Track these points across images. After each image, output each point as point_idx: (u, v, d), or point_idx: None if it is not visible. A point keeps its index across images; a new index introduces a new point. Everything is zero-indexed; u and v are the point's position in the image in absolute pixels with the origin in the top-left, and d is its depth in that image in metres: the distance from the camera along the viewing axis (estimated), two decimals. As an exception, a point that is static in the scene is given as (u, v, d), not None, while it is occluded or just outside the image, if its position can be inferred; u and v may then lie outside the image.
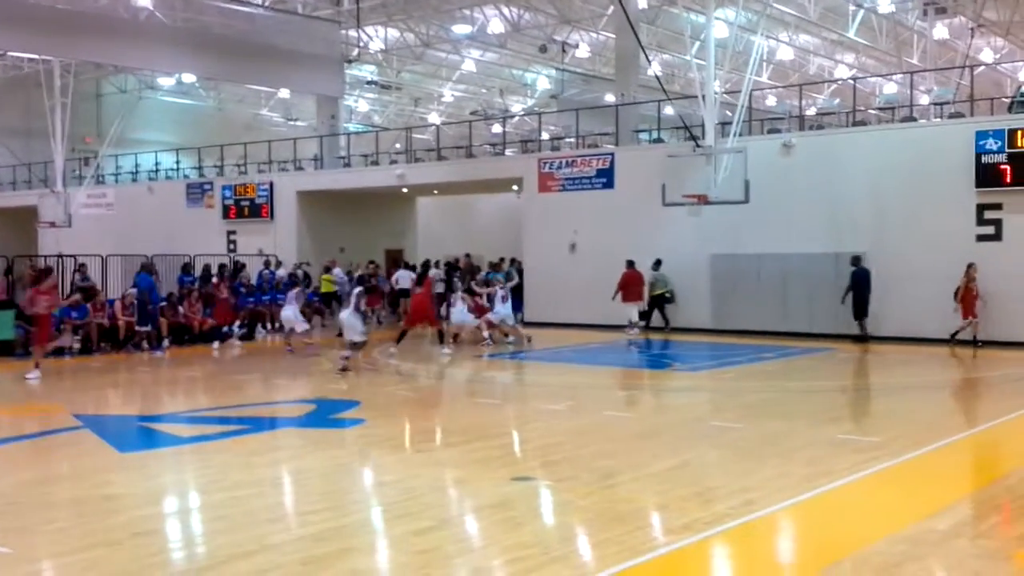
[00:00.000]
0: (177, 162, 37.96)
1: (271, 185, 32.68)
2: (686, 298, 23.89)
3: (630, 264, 23.61)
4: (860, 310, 21.05)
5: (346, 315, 17.32)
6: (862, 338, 21.01)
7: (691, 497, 8.05)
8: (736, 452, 10.10)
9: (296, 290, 21.02)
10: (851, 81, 29.49)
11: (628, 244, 24.26)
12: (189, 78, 37.78)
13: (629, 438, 11.21)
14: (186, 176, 37.05)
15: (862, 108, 27.07)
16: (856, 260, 21.12)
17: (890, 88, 33.21)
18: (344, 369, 16.53)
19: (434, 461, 9.97)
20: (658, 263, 23.94)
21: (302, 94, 38.90)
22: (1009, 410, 12.45)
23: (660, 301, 23.87)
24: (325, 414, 12.82)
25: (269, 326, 24.23)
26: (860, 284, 21.00)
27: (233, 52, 29.27)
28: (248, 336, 23.30)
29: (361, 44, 33.76)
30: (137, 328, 20.59)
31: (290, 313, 20.15)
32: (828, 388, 15.63)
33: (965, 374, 16.84)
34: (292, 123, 44.13)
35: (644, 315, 23.90)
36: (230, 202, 33.51)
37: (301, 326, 20.33)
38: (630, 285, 23.48)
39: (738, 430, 11.54)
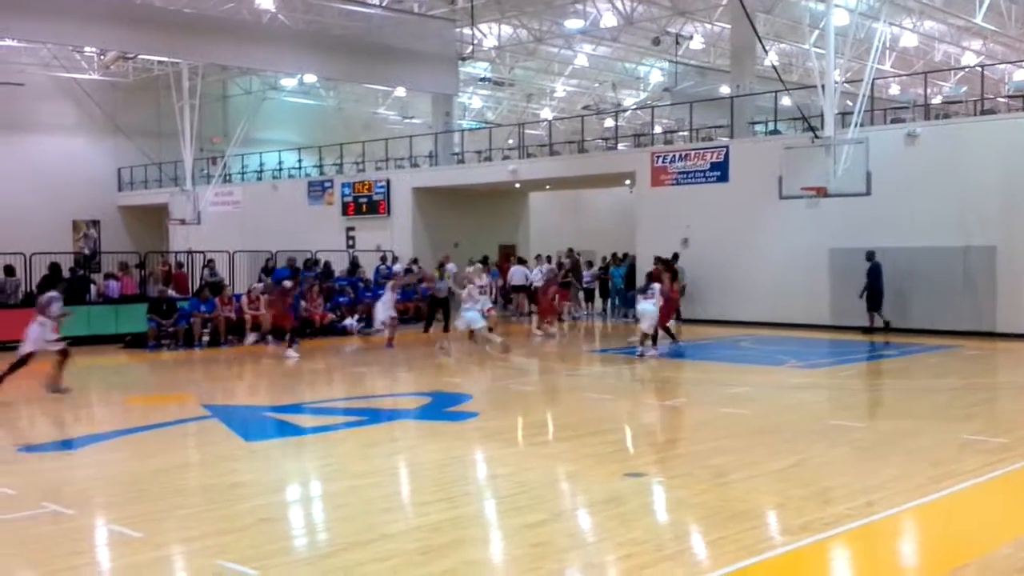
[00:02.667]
0: (299, 160, 39.07)
1: (388, 182, 33.31)
2: (803, 294, 23.35)
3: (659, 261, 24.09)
4: (875, 303, 21.38)
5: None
6: (873, 329, 21.30)
7: (809, 497, 7.90)
8: (856, 452, 9.86)
9: (391, 283, 21.31)
10: (979, 68, 28.29)
11: (742, 238, 23.88)
12: (310, 79, 38.78)
13: (744, 435, 11.05)
14: (307, 174, 38.09)
15: (991, 96, 25.97)
16: (871, 255, 21.35)
17: (1020, 75, 31.73)
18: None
19: (547, 455, 10.04)
20: (675, 257, 24.37)
21: (418, 92, 39.47)
22: None
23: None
24: (440, 407, 13.04)
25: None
26: (874, 278, 21.36)
27: (352, 52, 29.94)
28: (366, 330, 23.83)
29: (475, 41, 34.02)
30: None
31: (378, 305, 20.52)
32: (953, 386, 15.07)
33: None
34: (408, 121, 44.84)
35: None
36: (349, 199, 34.31)
37: (383, 315, 20.61)
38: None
39: (858, 429, 11.26)
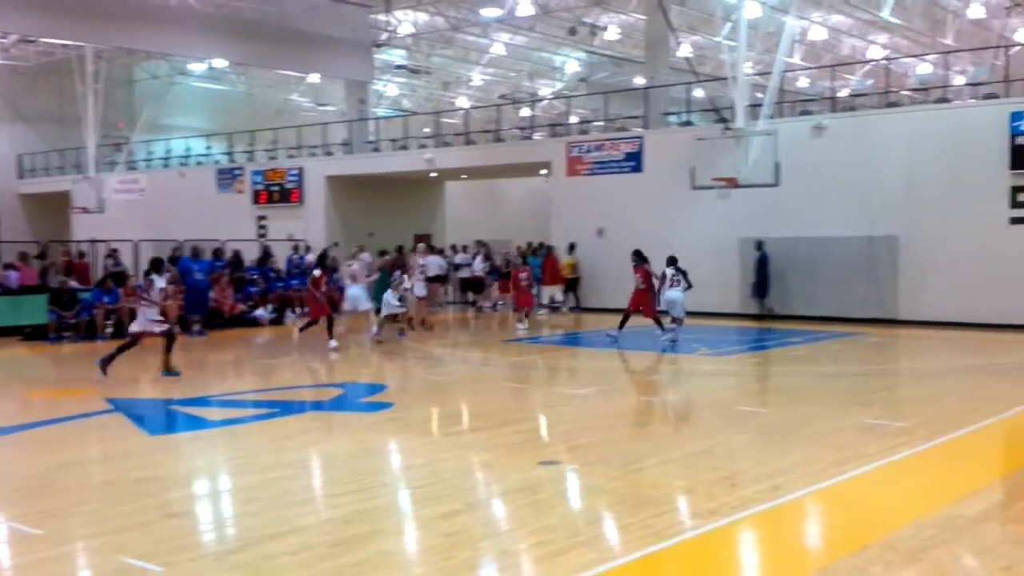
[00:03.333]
0: (208, 147, 38.21)
1: (301, 170, 32.83)
2: (714, 283, 23.76)
3: (549, 250, 25.95)
4: (761, 291, 22.44)
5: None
6: (764, 316, 22.23)
7: (718, 482, 8.03)
8: (763, 437, 10.07)
9: (356, 266, 20.93)
10: (884, 62, 29.11)
11: (657, 228, 24.16)
12: (220, 64, 37.84)
13: (656, 423, 11.21)
14: (217, 161, 37.29)
15: (895, 89, 26.77)
16: (759, 245, 22.23)
17: (924, 69, 32.72)
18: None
19: (461, 445, 10.01)
20: (572, 247, 25.55)
21: (331, 79, 38.94)
22: (1043, 395, 12.31)
23: (574, 283, 26.00)
24: (354, 398, 12.91)
25: (298, 310, 24.40)
26: (761, 267, 22.42)
27: (263, 37, 29.35)
28: (278, 320, 23.47)
29: (390, 28, 33.72)
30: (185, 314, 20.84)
31: (356, 292, 20.18)
32: (857, 373, 15.51)
33: (997, 358, 16.64)
34: (322, 108, 44.20)
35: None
36: (260, 187, 33.71)
37: (365, 305, 20.30)
38: (549, 269, 25.02)
39: (765, 415, 11.50)
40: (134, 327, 14.41)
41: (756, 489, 7.81)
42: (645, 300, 18.22)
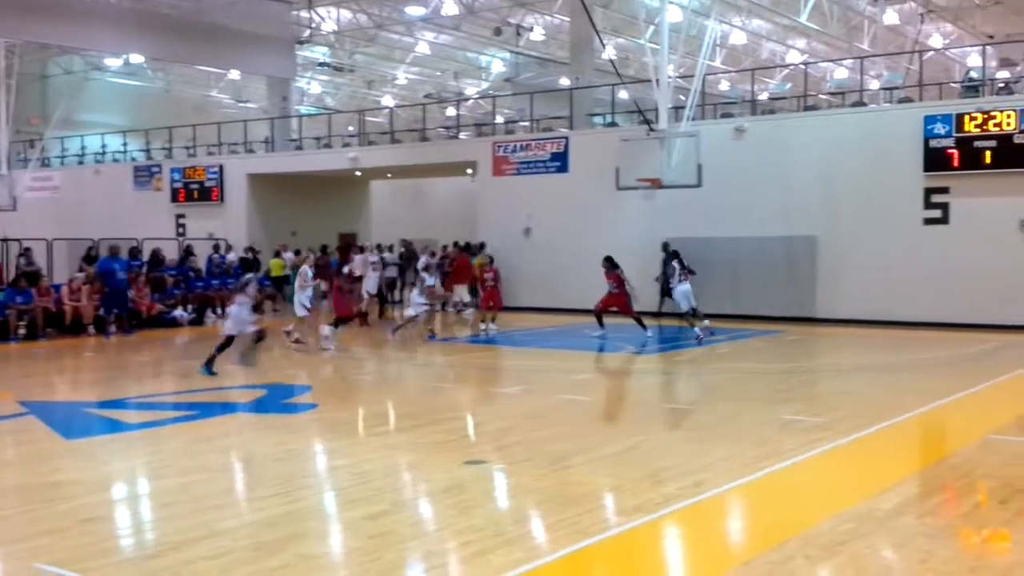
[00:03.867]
0: (124, 144, 37.29)
1: (221, 168, 32.25)
2: (638, 282, 23.98)
3: (463, 248, 25.79)
4: (667, 290, 22.28)
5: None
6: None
7: (643, 479, 8.10)
8: (687, 434, 10.20)
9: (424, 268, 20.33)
10: (802, 66, 29.76)
11: (582, 228, 24.33)
12: (137, 59, 36.98)
13: (582, 421, 11.26)
14: (133, 159, 36.40)
15: (813, 93, 27.39)
16: (665, 246, 22.41)
17: (841, 73, 33.59)
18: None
19: (387, 445, 9.93)
20: (482, 246, 25.51)
21: (253, 76, 38.35)
22: (954, 390, 12.70)
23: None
24: (276, 399, 12.71)
25: (219, 310, 23.96)
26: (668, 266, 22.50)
27: (182, 33, 28.77)
28: (197, 321, 23.01)
29: (313, 25, 33.34)
30: (102, 314, 20.29)
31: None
32: (778, 370, 15.81)
33: (911, 355, 17.14)
34: (243, 105, 43.51)
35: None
36: (179, 185, 33.03)
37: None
38: (460, 269, 24.76)
39: (689, 412, 11.65)
40: (228, 328, 14.44)
41: (679, 486, 7.90)
42: (621, 302, 19.13)
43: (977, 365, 15.67)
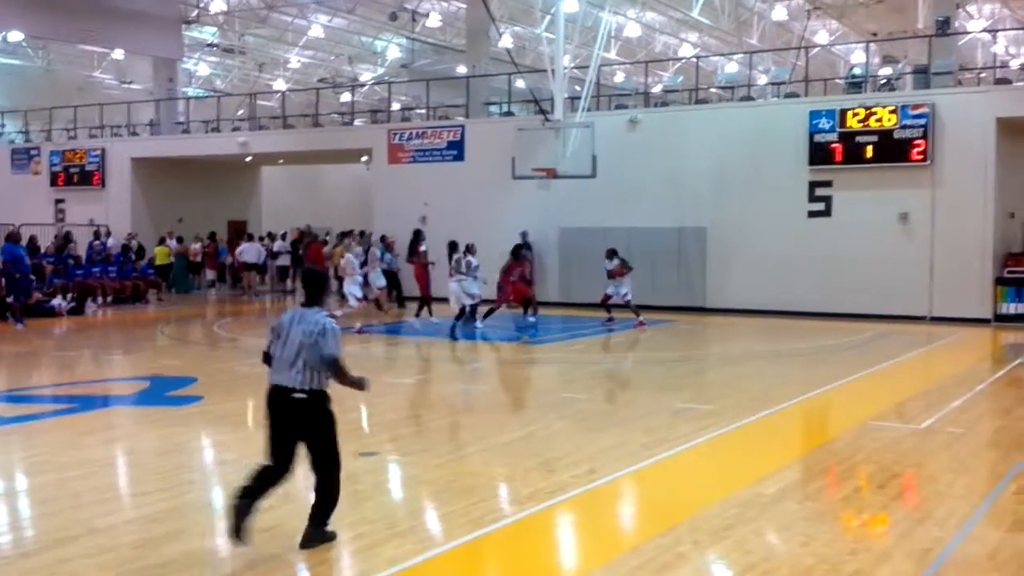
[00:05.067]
0: (2, 126, 35.62)
1: (103, 151, 31.10)
2: (536, 271, 24.13)
3: (315, 238, 26.29)
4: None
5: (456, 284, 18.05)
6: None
7: (536, 467, 8.12)
8: (580, 423, 10.27)
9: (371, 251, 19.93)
10: (694, 60, 30.32)
11: (479, 216, 24.29)
12: (16, 36, 35.33)
13: (479, 410, 11.24)
14: (11, 141, 34.84)
15: (704, 87, 27.89)
16: (523, 235, 22.92)
17: (731, 68, 34.30)
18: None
19: (277, 437, 9.70)
20: (342, 236, 25.77)
21: (138, 56, 37.04)
22: (837, 377, 13.14)
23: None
24: (159, 391, 12.31)
25: (99, 300, 23.16)
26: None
27: (64, 10, 27.64)
28: (77, 310, 22.15)
29: (201, 5, 32.40)
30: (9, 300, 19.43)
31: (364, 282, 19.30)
32: (669, 359, 16.10)
33: (796, 344, 17.67)
34: (127, 86, 42.02)
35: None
36: (59, 168, 31.74)
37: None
38: (312, 257, 25.06)
39: (583, 401, 11.74)
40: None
41: (572, 474, 7.95)
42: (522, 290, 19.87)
43: (858, 353, 16.25)
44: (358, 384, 6.37)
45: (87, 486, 7.67)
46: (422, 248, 21.27)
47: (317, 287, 6.27)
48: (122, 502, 7.46)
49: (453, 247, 19.36)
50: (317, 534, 6.15)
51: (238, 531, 5.90)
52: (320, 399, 6.14)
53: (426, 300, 20.37)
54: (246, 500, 5.99)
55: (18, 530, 6.79)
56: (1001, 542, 6.29)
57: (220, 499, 7.56)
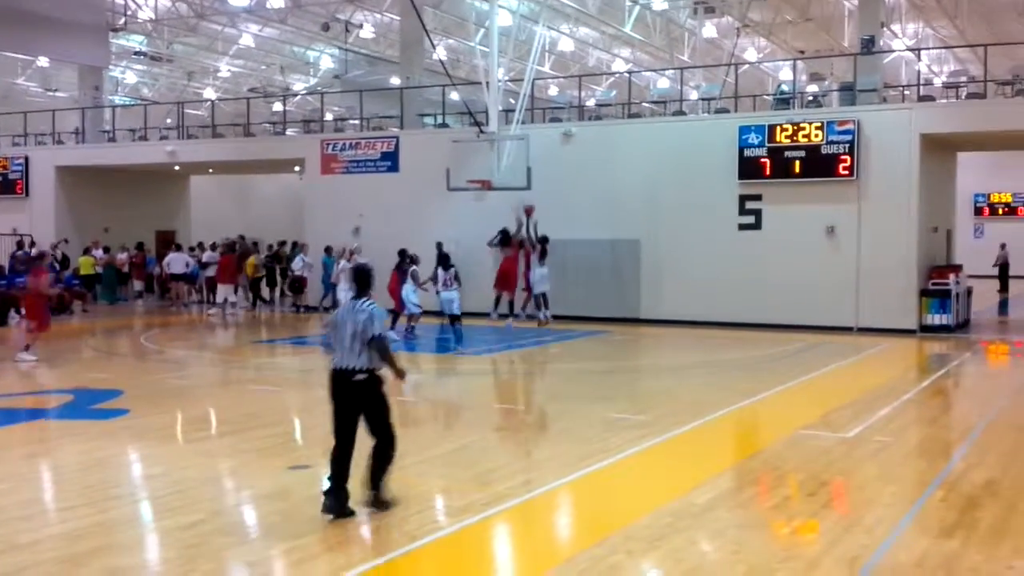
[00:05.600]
0: (-81, 132, 34.47)
1: (26, 159, 30.28)
2: (469, 283, 24.05)
3: (230, 247, 25.88)
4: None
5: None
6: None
7: (472, 479, 8.08)
8: (516, 434, 10.26)
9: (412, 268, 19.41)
10: (627, 75, 30.63)
11: (413, 228, 24.17)
12: (-68, 40, 34.31)
13: (413, 422, 11.14)
14: (-71, 147, 33.72)
15: (637, 101, 28.19)
16: (439, 245, 22.19)
17: (663, 83, 34.75)
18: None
19: (205, 451, 9.53)
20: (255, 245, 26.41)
21: (63, 63, 36.19)
22: (767, 387, 13.33)
23: (257, 283, 26.68)
24: (84, 405, 11.99)
25: (22, 311, 22.49)
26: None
27: (-16, 15, 26.88)
28: (0, 322, 21.50)
29: (128, 12, 31.81)
30: None
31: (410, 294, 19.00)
32: (604, 369, 16.17)
33: (728, 354, 17.90)
34: (51, 94, 41.02)
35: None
36: (-20, 177, 30.81)
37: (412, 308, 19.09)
38: (223, 268, 25.03)
39: (517, 412, 11.74)
40: None
41: (508, 485, 7.94)
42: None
43: (788, 364, 16.51)
44: (399, 371, 7.27)
45: (9, 501, 7.44)
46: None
47: (365, 281, 7.33)
48: (46, 517, 7.25)
49: (403, 256, 19.68)
50: (375, 498, 7.03)
51: (343, 512, 6.89)
52: (376, 378, 7.04)
53: (397, 313, 20.06)
54: (335, 487, 6.94)
55: (-67, 549, 6.54)
56: (928, 549, 6.43)
57: (147, 514, 7.38)
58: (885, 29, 27.49)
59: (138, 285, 29.32)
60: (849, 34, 29.69)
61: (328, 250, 24.87)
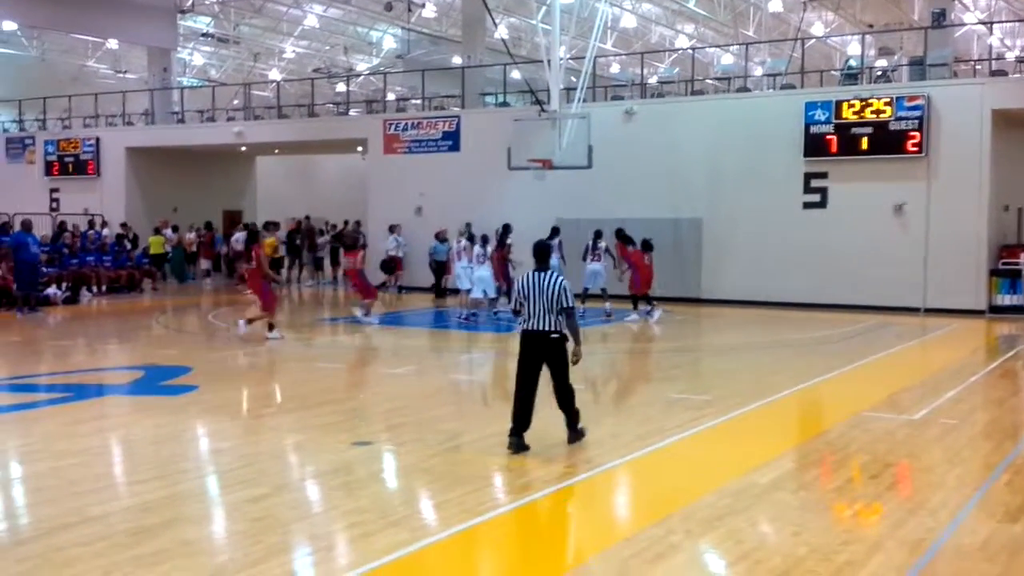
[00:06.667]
0: (-4, 114, 35.54)
1: (97, 140, 31.01)
2: (531, 263, 24.04)
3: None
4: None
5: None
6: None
7: (531, 457, 8.13)
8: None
9: (466, 245, 19.29)
10: (690, 51, 30.27)
11: (474, 207, 24.27)
12: (10, 26, 35.20)
13: (473, 401, 11.26)
14: (6, 130, 34.73)
15: (700, 78, 27.87)
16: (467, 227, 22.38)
17: (727, 59, 34.24)
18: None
19: (272, 427, 9.73)
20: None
21: (132, 45, 36.91)
22: (831, 368, 13.16)
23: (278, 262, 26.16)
24: (154, 381, 12.31)
25: (95, 289, 23.16)
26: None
27: (56, -1, 27.53)
28: (72, 299, 22.12)
29: (196, -6, 32.31)
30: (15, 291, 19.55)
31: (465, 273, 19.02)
32: (664, 349, 16.11)
33: (790, 335, 17.69)
34: (122, 76, 41.87)
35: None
36: (53, 158, 31.64)
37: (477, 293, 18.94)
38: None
39: (579, 391, 11.72)
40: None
41: (567, 464, 7.97)
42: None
43: (853, 345, 16.28)
44: (578, 341, 8.38)
45: (82, 474, 7.67)
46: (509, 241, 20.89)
47: (545, 255, 8.54)
48: (117, 490, 7.46)
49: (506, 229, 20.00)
50: (574, 434, 8.47)
51: (522, 447, 8.13)
52: (564, 338, 8.26)
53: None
54: (516, 438, 8.17)
55: (13, 518, 6.80)
56: (993, 533, 6.32)
57: (214, 488, 7.58)
58: (956, 2, 26.76)
59: (205, 264, 29.89)
60: (919, 7, 28.94)
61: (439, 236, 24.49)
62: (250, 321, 16.01)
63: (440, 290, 23.72)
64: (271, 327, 15.79)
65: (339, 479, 7.64)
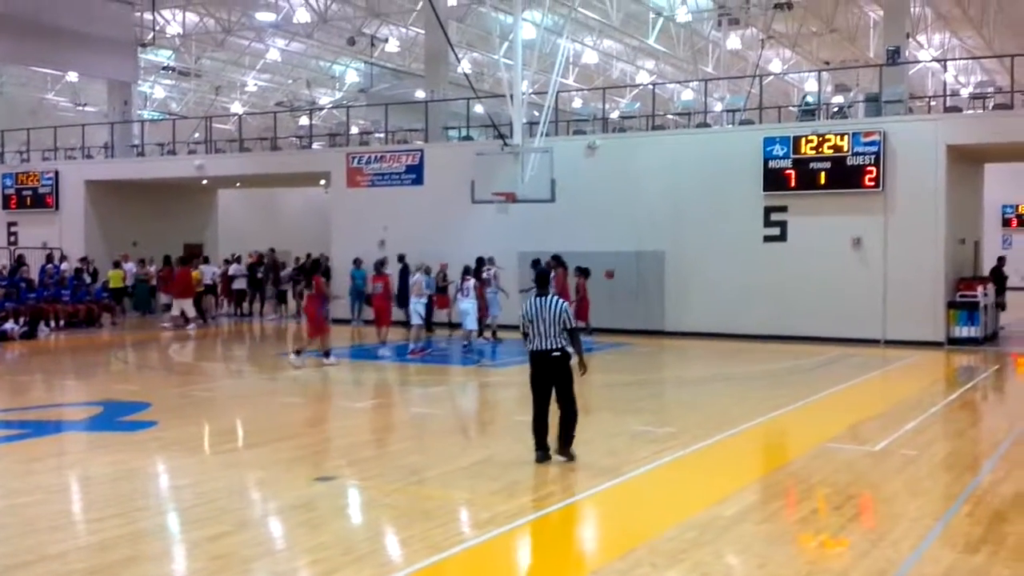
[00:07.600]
0: (-48, 147, 34.99)
1: (56, 173, 30.67)
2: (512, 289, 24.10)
3: (182, 261, 26.21)
4: (402, 301, 21.99)
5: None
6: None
7: (496, 491, 8.10)
8: (540, 446, 10.23)
9: (471, 281, 19.16)
10: (651, 87, 30.63)
11: (438, 240, 24.28)
12: (-34, 58, 34.88)
13: (437, 434, 11.19)
14: (-38, 162, 34.23)
15: (661, 113, 28.18)
16: (401, 258, 22.96)
17: (687, 95, 34.73)
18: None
19: (233, 463, 9.60)
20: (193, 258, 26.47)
21: (92, 78, 36.68)
22: (793, 400, 13.27)
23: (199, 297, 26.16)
24: (113, 416, 12.12)
25: (52, 324, 22.81)
26: (402, 278, 22.43)
27: (16, 32, 27.30)
28: (30, 334, 21.77)
29: (156, 27, 32.21)
30: None
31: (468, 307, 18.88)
32: (628, 382, 16.14)
33: (753, 367, 17.81)
34: (81, 108, 41.58)
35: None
36: (11, 191, 31.22)
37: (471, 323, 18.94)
38: (180, 282, 25.03)
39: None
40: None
41: (532, 497, 7.95)
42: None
43: (814, 376, 16.42)
44: (582, 358, 9.15)
45: (39, 513, 7.53)
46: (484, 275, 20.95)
47: (545, 281, 9.31)
48: (75, 529, 7.33)
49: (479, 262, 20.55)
50: (565, 452, 9.05)
51: (547, 458, 9.01)
52: (568, 356, 8.97)
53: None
54: (542, 452, 9.02)
55: (-35, 559, 6.64)
56: (954, 563, 6.38)
57: (174, 526, 7.45)
58: (911, 40, 27.36)
59: (165, 298, 29.55)
60: (875, 45, 29.55)
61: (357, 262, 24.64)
62: (298, 352, 16.55)
63: (429, 323, 23.43)
64: (327, 354, 16.65)
65: (301, 515, 7.56)
